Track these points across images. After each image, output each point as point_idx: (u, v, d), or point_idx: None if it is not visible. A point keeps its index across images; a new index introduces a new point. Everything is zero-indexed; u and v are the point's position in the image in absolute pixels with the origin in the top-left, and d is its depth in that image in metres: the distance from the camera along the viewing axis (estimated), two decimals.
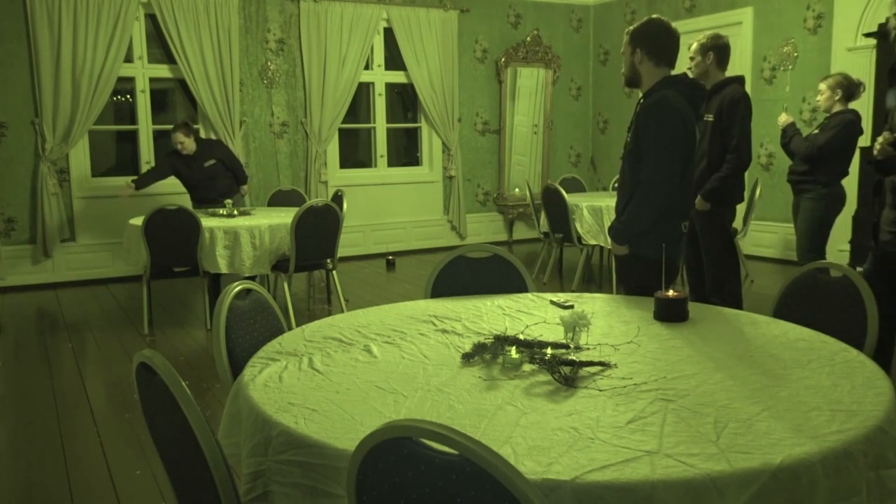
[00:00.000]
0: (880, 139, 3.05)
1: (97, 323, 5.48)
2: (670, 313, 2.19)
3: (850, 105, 4.66)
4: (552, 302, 2.44)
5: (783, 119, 4.92)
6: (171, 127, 6.11)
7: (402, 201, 8.44)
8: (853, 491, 1.28)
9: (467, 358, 1.81)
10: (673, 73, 2.87)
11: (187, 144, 5.90)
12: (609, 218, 5.27)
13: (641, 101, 2.87)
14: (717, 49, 4.07)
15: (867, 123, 5.62)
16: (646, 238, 2.80)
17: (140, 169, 7.11)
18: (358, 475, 1.16)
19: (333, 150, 8.01)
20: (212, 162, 6.02)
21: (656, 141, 2.75)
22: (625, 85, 2.99)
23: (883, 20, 5.92)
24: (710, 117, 4.07)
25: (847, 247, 6.14)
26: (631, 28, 2.88)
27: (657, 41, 2.81)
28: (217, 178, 6.08)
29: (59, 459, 3.11)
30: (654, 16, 2.88)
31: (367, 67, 8.04)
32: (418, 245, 8.48)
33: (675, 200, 2.81)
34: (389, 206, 8.36)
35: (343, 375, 1.73)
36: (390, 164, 8.54)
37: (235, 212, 5.55)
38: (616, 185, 3.96)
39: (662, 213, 2.79)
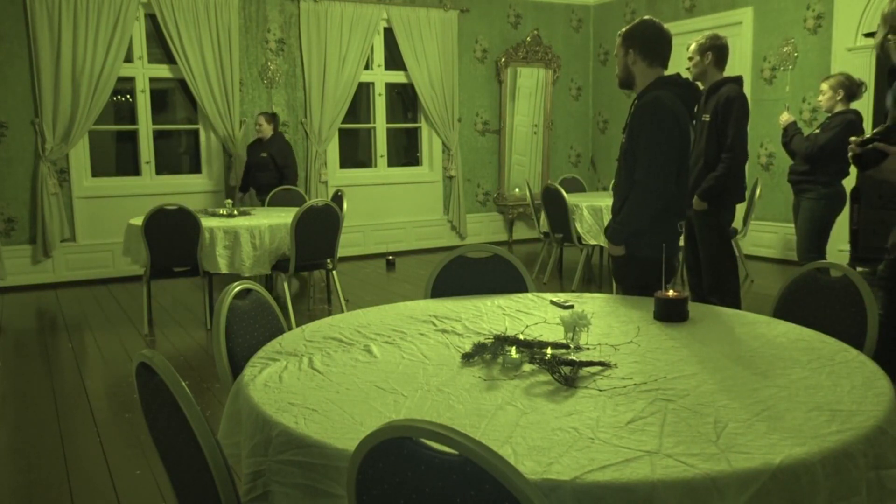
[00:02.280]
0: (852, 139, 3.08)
1: (97, 323, 5.48)
2: (670, 313, 2.19)
3: (851, 105, 4.66)
4: (552, 302, 2.44)
5: (784, 118, 4.92)
6: (171, 127, 6.23)
7: (402, 201, 8.44)
8: (853, 491, 1.27)
9: (467, 358, 1.81)
10: (666, 73, 2.88)
11: (264, 128, 6.55)
12: (609, 218, 5.27)
13: (636, 101, 2.87)
14: (716, 49, 4.08)
15: (868, 124, 5.62)
16: (642, 238, 2.80)
17: (140, 169, 7.14)
18: (358, 475, 1.16)
19: (333, 150, 8.00)
20: (264, 154, 6.58)
21: (651, 141, 2.75)
22: (619, 86, 3.00)
23: None
24: (707, 117, 4.07)
25: (847, 247, 6.14)
26: (623, 30, 2.89)
27: (650, 42, 2.82)
28: (262, 170, 6.60)
29: (59, 459, 3.11)
30: (646, 17, 2.89)
31: (367, 67, 8.04)
32: (418, 245, 8.48)
33: (670, 200, 2.81)
34: (389, 206, 8.35)
35: (343, 375, 1.73)
36: (390, 164, 8.54)
37: (235, 212, 5.57)
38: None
39: (659, 213, 2.80)
